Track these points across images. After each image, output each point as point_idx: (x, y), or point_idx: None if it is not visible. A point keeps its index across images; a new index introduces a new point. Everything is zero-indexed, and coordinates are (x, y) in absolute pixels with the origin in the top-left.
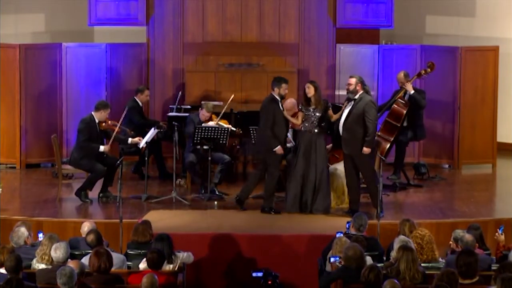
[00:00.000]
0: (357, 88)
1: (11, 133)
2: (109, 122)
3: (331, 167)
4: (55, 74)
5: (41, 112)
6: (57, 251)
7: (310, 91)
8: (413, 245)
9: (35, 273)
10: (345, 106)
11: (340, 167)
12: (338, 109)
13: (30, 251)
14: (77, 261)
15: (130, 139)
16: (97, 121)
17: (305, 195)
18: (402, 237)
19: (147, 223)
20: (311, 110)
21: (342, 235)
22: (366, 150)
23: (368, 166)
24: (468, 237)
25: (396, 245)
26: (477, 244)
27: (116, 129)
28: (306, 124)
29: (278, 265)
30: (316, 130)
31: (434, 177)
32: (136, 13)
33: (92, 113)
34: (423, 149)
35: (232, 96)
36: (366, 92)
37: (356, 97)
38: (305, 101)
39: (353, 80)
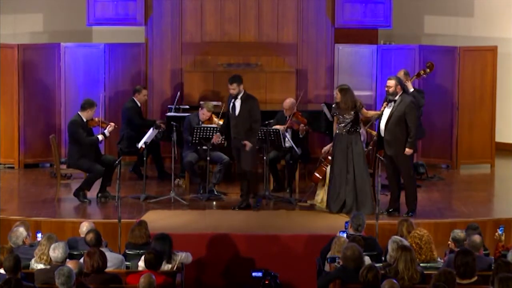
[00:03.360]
0: (397, 90)
1: (9, 133)
2: (96, 119)
3: (329, 167)
4: (53, 74)
5: (40, 112)
6: (56, 251)
7: (337, 97)
8: (406, 244)
9: (33, 273)
10: (384, 107)
11: None
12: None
13: (29, 251)
14: (75, 261)
15: (106, 131)
16: (85, 120)
17: (345, 195)
18: (394, 237)
19: (143, 224)
20: (342, 113)
21: (344, 234)
22: (408, 151)
23: (408, 166)
24: (477, 238)
25: (389, 246)
26: None
27: (104, 125)
28: (341, 125)
29: (276, 265)
30: (350, 132)
31: (433, 177)
32: (134, 13)
33: (79, 112)
34: (422, 149)
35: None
36: (405, 91)
37: (396, 98)
38: (336, 104)
39: (392, 82)
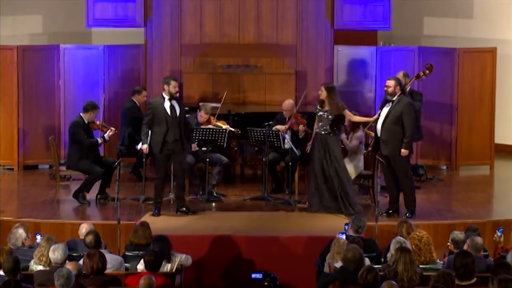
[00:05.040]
0: (396, 90)
1: (9, 134)
2: (97, 122)
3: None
4: (53, 75)
5: (39, 113)
6: (56, 252)
7: (322, 94)
8: (409, 246)
9: (33, 275)
10: (382, 107)
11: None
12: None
13: (28, 252)
14: (75, 262)
15: (106, 135)
16: (86, 122)
17: (325, 196)
18: (398, 238)
19: (145, 225)
20: (324, 112)
21: (343, 236)
22: (404, 152)
23: (404, 167)
24: (479, 239)
25: (393, 246)
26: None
27: (105, 129)
28: (320, 124)
29: (276, 266)
30: (328, 132)
31: (432, 178)
32: (134, 15)
33: (81, 114)
34: (421, 151)
35: (225, 93)
36: (404, 93)
37: (394, 98)
38: (319, 102)
39: (391, 83)
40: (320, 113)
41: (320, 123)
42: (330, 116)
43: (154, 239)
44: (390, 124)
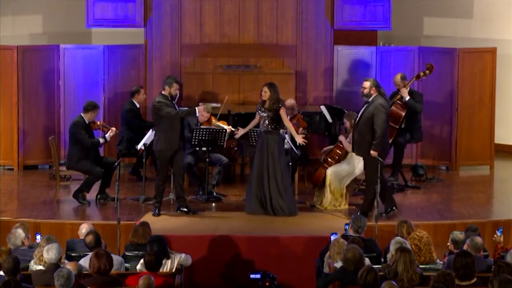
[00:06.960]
0: (371, 91)
1: (9, 134)
2: (98, 122)
3: (329, 169)
4: (52, 75)
5: (39, 113)
6: (50, 252)
7: (266, 95)
8: (409, 246)
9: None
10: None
11: (337, 169)
12: (335, 110)
13: (28, 252)
14: (74, 262)
15: (107, 135)
16: (87, 122)
17: (264, 195)
18: (398, 238)
19: (146, 225)
20: (265, 111)
21: (336, 236)
22: (373, 153)
23: (372, 167)
24: (478, 239)
25: (392, 247)
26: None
27: (105, 129)
28: (262, 123)
29: (275, 266)
30: (267, 131)
31: (432, 178)
32: (134, 15)
33: (81, 114)
34: (421, 151)
35: (226, 98)
36: (382, 94)
37: (370, 100)
38: (260, 103)
39: (367, 84)
40: (261, 112)
41: (262, 122)
42: (269, 114)
43: (151, 240)
44: (362, 125)
